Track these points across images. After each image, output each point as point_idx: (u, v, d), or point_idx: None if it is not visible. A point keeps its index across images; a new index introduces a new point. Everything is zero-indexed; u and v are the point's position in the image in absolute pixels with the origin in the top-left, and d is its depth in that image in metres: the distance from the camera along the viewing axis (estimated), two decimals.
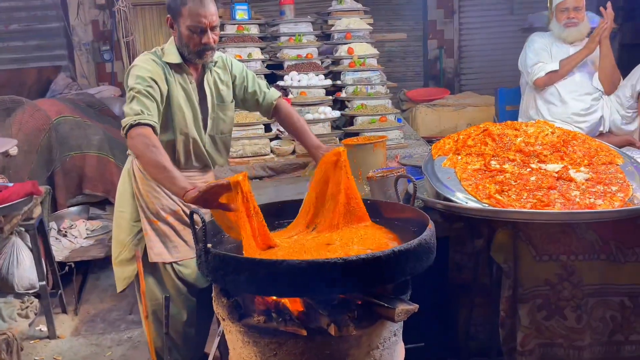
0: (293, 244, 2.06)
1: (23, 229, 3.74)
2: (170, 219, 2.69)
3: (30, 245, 3.73)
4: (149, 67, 2.50)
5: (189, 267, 2.73)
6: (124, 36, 6.56)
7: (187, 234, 2.69)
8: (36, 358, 3.57)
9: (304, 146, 2.72)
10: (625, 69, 4.12)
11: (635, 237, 2.58)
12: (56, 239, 4.49)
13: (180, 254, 2.72)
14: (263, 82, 2.87)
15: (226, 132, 2.76)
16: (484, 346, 2.93)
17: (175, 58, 2.56)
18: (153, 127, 2.35)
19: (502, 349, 2.66)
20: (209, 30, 2.50)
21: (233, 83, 2.78)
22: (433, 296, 2.81)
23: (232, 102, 2.76)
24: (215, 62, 2.70)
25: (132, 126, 2.31)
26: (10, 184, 3.44)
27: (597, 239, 2.57)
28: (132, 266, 2.73)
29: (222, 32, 4.54)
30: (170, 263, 2.72)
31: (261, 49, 4.55)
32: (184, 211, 2.70)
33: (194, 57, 2.56)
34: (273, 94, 2.84)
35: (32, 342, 3.72)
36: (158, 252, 2.69)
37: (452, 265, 3.10)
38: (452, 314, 3.14)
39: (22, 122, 4.54)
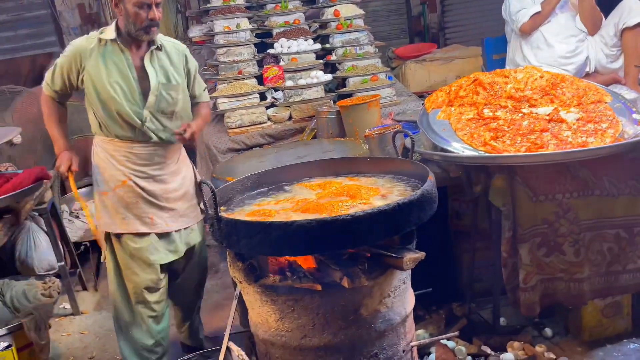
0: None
1: (37, 214, 3.83)
2: (119, 191, 2.76)
3: (45, 229, 3.83)
4: (78, 42, 2.76)
5: (137, 243, 2.78)
6: (111, 17, 6.53)
7: (136, 207, 2.76)
8: (64, 334, 3.70)
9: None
10: (607, 9, 4.15)
11: (627, 170, 2.68)
12: (69, 220, 4.59)
13: (129, 227, 2.76)
14: (202, 88, 3.03)
15: (168, 112, 2.78)
16: (488, 287, 3.06)
17: (111, 34, 2.70)
18: (52, 97, 2.85)
19: (505, 287, 2.77)
20: (154, 6, 2.64)
21: (186, 75, 2.91)
22: (437, 244, 2.94)
23: (179, 84, 2.82)
24: (162, 45, 2.79)
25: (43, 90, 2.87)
26: (20, 171, 3.52)
27: (590, 176, 2.66)
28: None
29: (208, 5, 4.56)
30: (118, 234, 2.79)
31: (249, 18, 4.56)
32: (135, 182, 2.76)
33: (141, 34, 2.67)
34: (202, 99, 3.04)
35: (58, 319, 3.86)
36: (105, 223, 2.80)
37: (452, 213, 3.21)
38: (456, 259, 3.27)
39: (22, 110, 4.59)
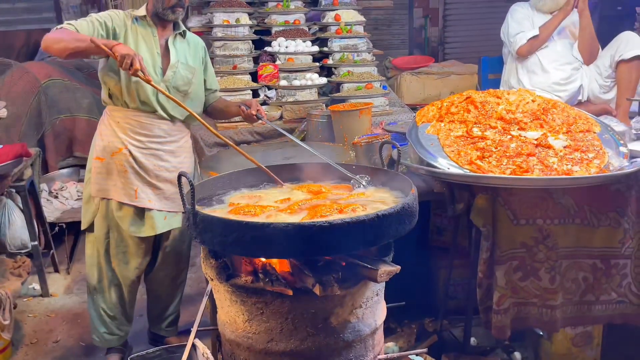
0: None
1: (14, 190, 3.78)
2: (114, 158, 2.87)
3: (21, 207, 3.78)
4: (111, 14, 2.86)
5: (120, 212, 2.89)
6: (112, 1, 6.49)
7: (124, 177, 2.86)
8: (30, 315, 3.66)
9: (231, 112, 3.15)
10: (605, 40, 4.18)
11: (609, 202, 2.68)
12: (47, 200, 4.53)
13: (116, 195, 2.88)
14: (215, 83, 3.23)
15: (182, 91, 2.91)
16: (461, 305, 3.05)
17: (142, 12, 2.90)
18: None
19: (478, 307, 2.76)
20: None
21: (204, 66, 3.09)
22: (414, 257, 2.93)
23: (195, 68, 2.98)
24: (184, 32, 2.99)
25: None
26: (0, 146, 3.47)
27: (572, 204, 2.66)
28: (95, 202, 2.92)
29: None
30: (109, 199, 2.89)
31: (249, 14, 4.54)
32: (129, 151, 2.85)
33: (168, 13, 2.86)
34: (216, 95, 3.23)
35: (26, 299, 3.81)
36: (97, 189, 2.90)
37: (433, 228, 3.20)
38: (432, 274, 3.26)
39: (10, 85, 4.52)
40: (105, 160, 2.87)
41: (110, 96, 2.88)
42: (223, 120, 4.08)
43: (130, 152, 2.85)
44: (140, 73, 2.52)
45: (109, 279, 3.00)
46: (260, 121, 2.96)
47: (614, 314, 2.80)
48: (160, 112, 2.87)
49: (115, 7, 6.52)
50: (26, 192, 3.71)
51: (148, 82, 2.58)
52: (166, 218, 2.95)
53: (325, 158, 2.46)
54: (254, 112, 2.91)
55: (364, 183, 2.28)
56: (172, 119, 2.92)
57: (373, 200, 2.13)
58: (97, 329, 3.06)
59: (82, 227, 3.00)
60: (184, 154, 3.03)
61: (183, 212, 2.97)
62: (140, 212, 2.91)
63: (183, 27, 2.99)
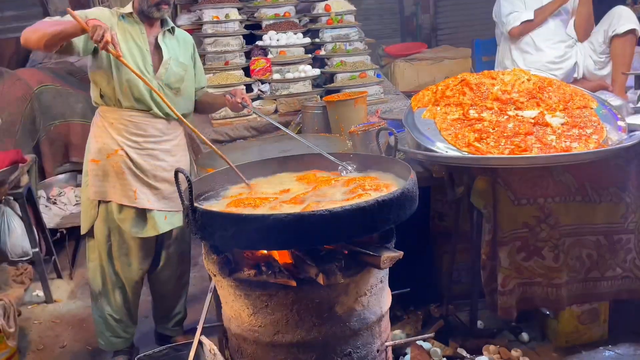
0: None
1: (12, 198, 3.75)
2: (110, 160, 2.82)
3: (20, 214, 3.76)
4: (96, 11, 2.80)
5: (121, 214, 2.86)
6: (100, 2, 6.44)
7: (122, 179, 2.82)
8: (35, 322, 3.64)
9: (219, 104, 3.11)
10: (597, 17, 4.16)
11: (610, 177, 2.67)
12: (46, 206, 4.52)
13: (116, 197, 2.84)
14: (204, 79, 3.19)
15: (174, 88, 2.88)
16: (466, 289, 3.04)
17: (128, 9, 2.85)
18: None
19: (483, 290, 2.76)
20: None
21: (194, 62, 3.05)
22: (417, 244, 2.92)
23: (186, 64, 2.95)
24: (173, 28, 2.94)
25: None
26: None
27: (572, 181, 2.65)
28: (93, 205, 2.89)
29: None
30: (107, 202, 2.86)
31: (238, 9, 4.51)
32: (126, 152, 2.81)
33: (153, 10, 2.81)
34: (204, 91, 3.17)
35: (30, 307, 3.79)
36: (95, 191, 2.85)
37: (434, 214, 3.19)
38: (436, 260, 3.25)
39: (2, 93, 4.49)
40: (101, 163, 2.84)
41: (102, 96, 2.83)
42: (218, 118, 4.07)
43: (126, 153, 2.82)
44: (110, 47, 2.42)
45: (112, 282, 2.98)
46: (246, 109, 2.93)
47: (620, 290, 2.80)
48: (155, 110, 2.83)
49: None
50: (24, 199, 3.69)
51: (117, 57, 2.48)
52: (167, 218, 2.93)
53: (315, 147, 2.45)
54: (239, 100, 2.87)
55: (349, 169, 2.30)
56: (167, 117, 2.89)
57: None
58: (102, 333, 3.05)
59: (82, 232, 2.97)
60: (180, 153, 3.00)
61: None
62: (142, 213, 2.88)
63: (172, 24, 2.95)
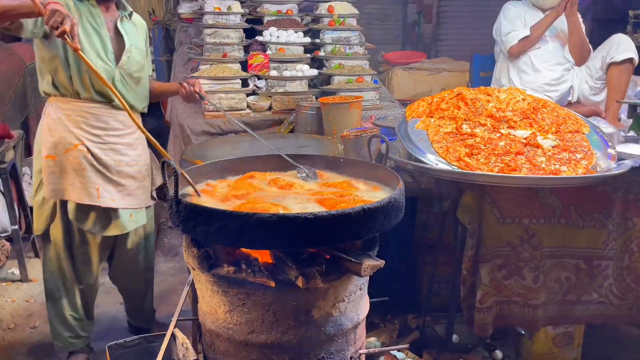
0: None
1: None
2: (69, 155, 2.64)
3: (2, 190, 3.72)
4: None
5: (82, 213, 2.71)
6: None
7: (83, 176, 2.65)
8: (8, 300, 3.61)
9: (169, 92, 3.13)
10: (597, 44, 4.19)
11: (595, 203, 2.69)
12: (29, 184, 4.46)
13: (75, 195, 2.66)
14: (151, 67, 3.16)
15: (135, 77, 2.78)
16: (445, 302, 3.05)
17: None
18: None
19: (461, 305, 2.76)
20: None
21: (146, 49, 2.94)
22: (399, 253, 2.92)
23: (144, 51, 2.87)
24: (131, 13, 2.83)
25: None
26: None
27: (558, 204, 2.67)
28: (50, 205, 2.73)
29: None
30: (64, 201, 2.70)
31: (241, 2, 4.49)
32: (87, 147, 2.65)
33: None
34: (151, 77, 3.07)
35: (4, 284, 3.76)
36: (52, 190, 2.66)
37: (419, 225, 3.19)
38: (417, 270, 3.26)
39: None
40: (57, 159, 2.63)
41: (55, 86, 2.63)
42: (211, 110, 4.05)
43: (87, 149, 2.64)
44: (67, 37, 2.19)
45: (73, 281, 2.86)
46: (203, 101, 2.83)
47: (595, 314, 2.82)
48: (117, 101, 2.60)
49: None
50: (7, 175, 3.65)
51: (75, 50, 2.24)
52: (132, 215, 2.81)
53: (275, 149, 2.42)
54: (197, 90, 2.78)
55: (306, 171, 2.28)
56: (131, 108, 2.69)
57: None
58: (60, 334, 2.92)
59: (36, 233, 2.80)
60: (141, 146, 2.87)
61: (147, 208, 2.93)
62: (103, 211, 2.73)
63: (130, 9, 2.81)
